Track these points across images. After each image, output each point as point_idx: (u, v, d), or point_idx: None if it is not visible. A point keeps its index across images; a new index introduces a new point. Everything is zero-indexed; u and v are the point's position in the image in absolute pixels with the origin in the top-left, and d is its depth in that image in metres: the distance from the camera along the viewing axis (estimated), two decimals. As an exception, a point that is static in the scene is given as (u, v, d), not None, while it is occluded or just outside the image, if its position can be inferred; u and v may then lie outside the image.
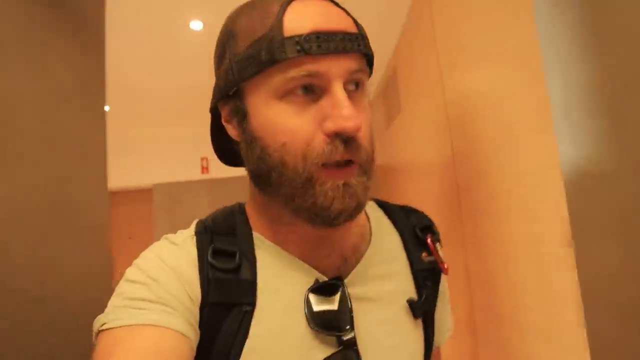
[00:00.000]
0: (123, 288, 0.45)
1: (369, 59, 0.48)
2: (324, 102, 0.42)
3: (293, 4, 0.43)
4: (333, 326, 0.46)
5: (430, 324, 0.57)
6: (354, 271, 0.51)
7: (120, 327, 0.41)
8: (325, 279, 0.48)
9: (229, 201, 0.57)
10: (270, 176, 0.44)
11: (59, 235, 1.04)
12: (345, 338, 0.46)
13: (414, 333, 0.54)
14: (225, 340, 0.44)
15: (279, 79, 0.42)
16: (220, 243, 0.48)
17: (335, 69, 0.42)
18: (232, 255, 0.47)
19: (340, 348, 0.46)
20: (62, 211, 1.06)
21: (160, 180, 4.39)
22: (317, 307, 0.46)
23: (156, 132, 4.35)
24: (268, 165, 0.44)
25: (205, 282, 0.45)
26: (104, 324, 0.42)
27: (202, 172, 4.40)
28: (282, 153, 0.43)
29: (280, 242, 0.50)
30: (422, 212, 0.63)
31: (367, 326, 0.49)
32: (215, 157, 0.59)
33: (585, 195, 0.72)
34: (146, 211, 4.40)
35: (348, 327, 0.46)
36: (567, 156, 0.75)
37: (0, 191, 0.86)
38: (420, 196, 2.18)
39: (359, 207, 0.45)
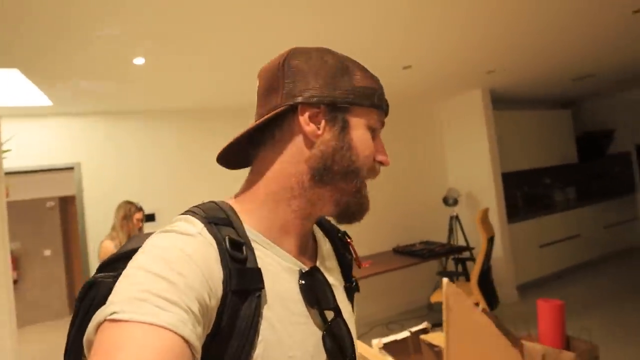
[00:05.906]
0: (142, 278, 0.44)
1: None
2: (376, 141, 0.64)
3: None
4: (322, 303, 0.60)
5: (353, 304, 0.73)
6: (318, 263, 0.66)
7: (135, 321, 0.40)
8: (307, 268, 0.61)
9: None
10: (347, 173, 0.60)
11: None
12: (331, 311, 0.60)
13: (351, 312, 0.71)
14: (245, 323, 0.50)
15: (374, 117, 0.63)
16: (229, 234, 0.53)
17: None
18: (240, 245, 0.53)
19: (334, 317, 0.60)
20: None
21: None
22: (308, 290, 0.59)
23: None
24: (350, 166, 0.60)
25: (227, 272, 0.49)
26: (115, 312, 0.41)
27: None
28: (363, 161, 0.61)
29: (274, 238, 0.60)
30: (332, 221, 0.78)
31: (339, 302, 0.63)
32: None
33: None
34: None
35: (333, 303, 0.61)
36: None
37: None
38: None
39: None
